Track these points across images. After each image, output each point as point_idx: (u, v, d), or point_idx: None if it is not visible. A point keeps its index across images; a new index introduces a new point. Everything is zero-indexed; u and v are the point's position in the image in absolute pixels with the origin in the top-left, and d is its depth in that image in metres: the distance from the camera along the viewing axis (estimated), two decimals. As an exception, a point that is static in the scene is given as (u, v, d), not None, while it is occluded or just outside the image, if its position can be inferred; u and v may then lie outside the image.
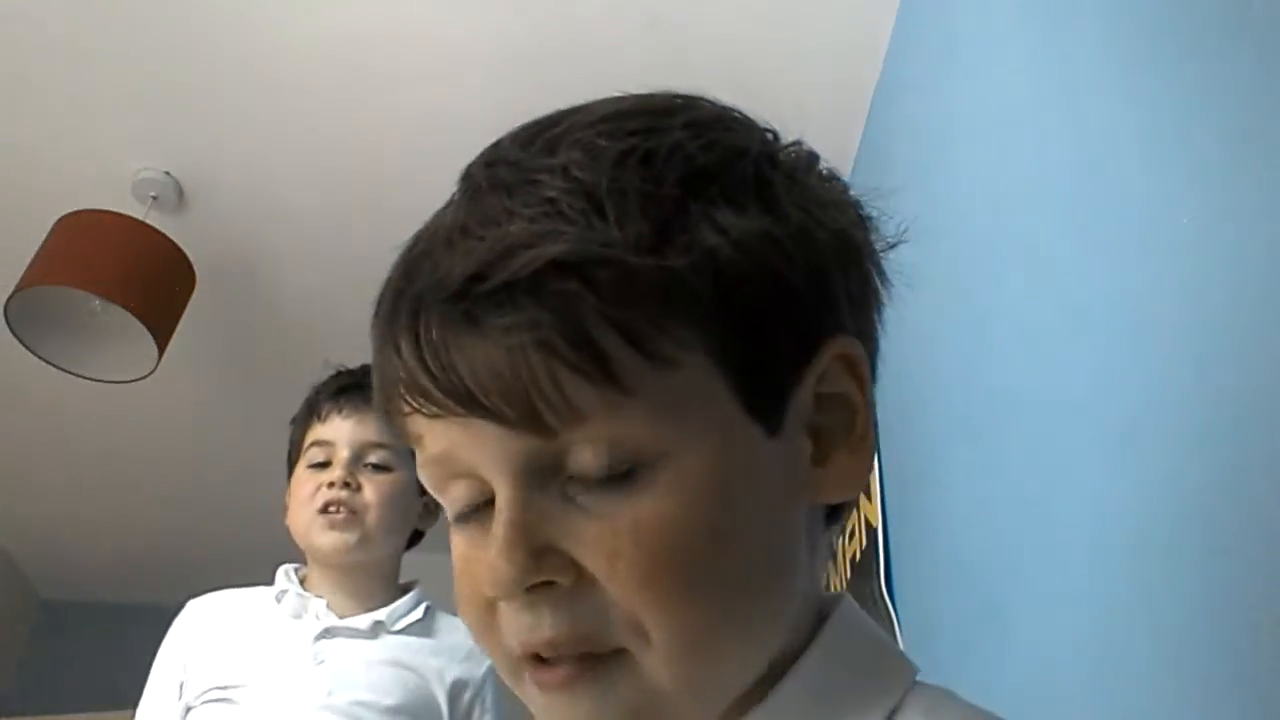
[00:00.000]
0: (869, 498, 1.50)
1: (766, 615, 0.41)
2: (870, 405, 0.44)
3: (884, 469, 1.47)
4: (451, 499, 0.43)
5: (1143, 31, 0.80)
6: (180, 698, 1.22)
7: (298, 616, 1.25)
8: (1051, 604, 0.90)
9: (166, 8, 1.78)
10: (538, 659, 0.40)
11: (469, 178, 0.44)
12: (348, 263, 2.26)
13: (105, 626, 3.40)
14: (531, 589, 0.39)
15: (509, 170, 0.41)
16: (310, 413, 1.32)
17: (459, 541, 0.43)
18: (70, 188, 2.03)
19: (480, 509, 0.41)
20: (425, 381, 0.39)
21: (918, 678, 0.44)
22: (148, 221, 2.01)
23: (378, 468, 1.28)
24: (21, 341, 1.95)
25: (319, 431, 1.30)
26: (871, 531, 1.48)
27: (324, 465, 1.28)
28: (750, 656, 0.41)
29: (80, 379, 2.08)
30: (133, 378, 2.09)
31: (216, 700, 1.19)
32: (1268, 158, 0.61)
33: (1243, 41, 0.65)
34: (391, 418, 0.43)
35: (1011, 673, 0.98)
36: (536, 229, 0.38)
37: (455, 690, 1.25)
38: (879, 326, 0.48)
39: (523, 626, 0.40)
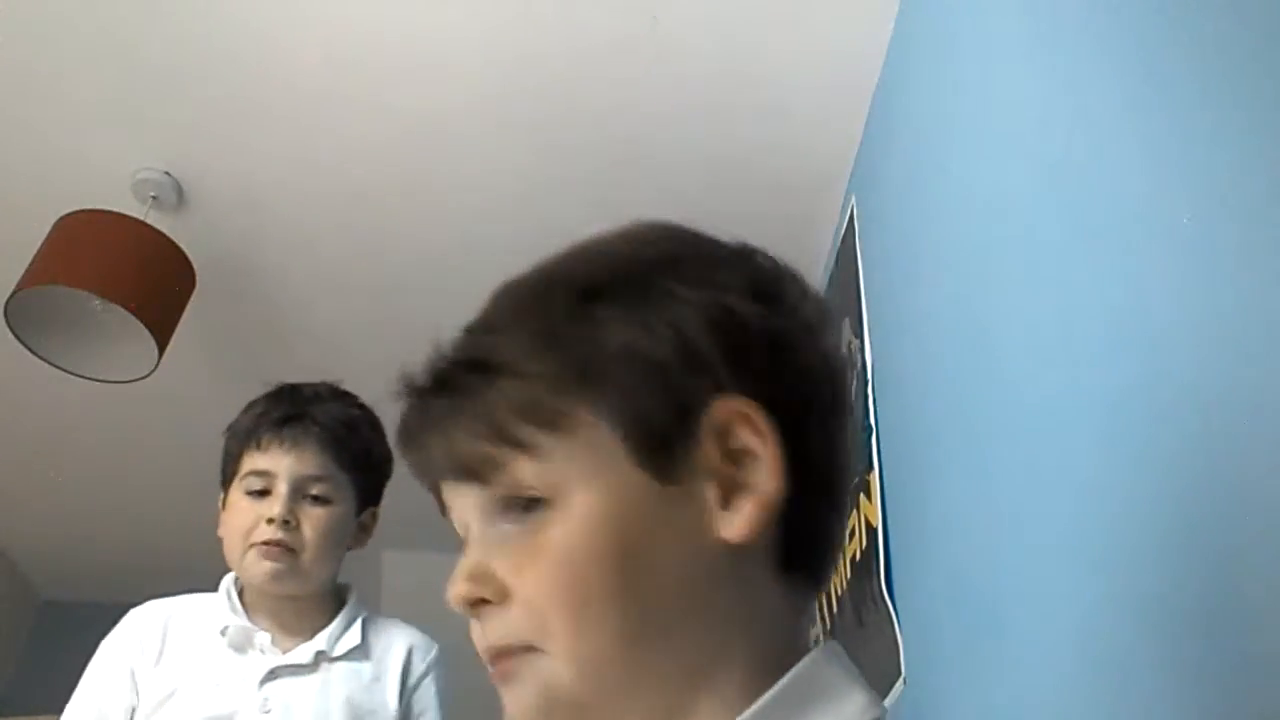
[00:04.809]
0: (869, 498, 1.50)
1: (668, 646, 0.49)
2: (778, 457, 0.49)
3: (884, 469, 1.47)
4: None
5: (1142, 31, 0.80)
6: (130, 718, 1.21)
7: (241, 651, 1.24)
8: (1051, 604, 0.90)
9: (167, 9, 1.78)
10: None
11: None
12: (347, 262, 2.26)
13: (105, 626, 3.38)
14: (473, 605, 0.51)
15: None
16: (249, 437, 1.30)
17: None
18: (70, 188, 2.03)
19: None
20: (414, 467, 0.54)
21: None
22: (148, 221, 2.02)
23: (316, 501, 1.26)
24: (21, 341, 1.95)
25: (258, 460, 1.27)
26: (871, 531, 1.48)
27: (262, 494, 1.26)
28: (651, 680, 0.49)
29: (80, 379, 2.09)
30: (133, 378, 2.09)
31: None
32: (1268, 157, 0.61)
33: (1242, 40, 0.65)
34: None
35: (1011, 672, 0.98)
36: (462, 342, 0.53)
37: (404, 713, 1.28)
38: (793, 382, 0.52)
39: (478, 637, 0.51)
